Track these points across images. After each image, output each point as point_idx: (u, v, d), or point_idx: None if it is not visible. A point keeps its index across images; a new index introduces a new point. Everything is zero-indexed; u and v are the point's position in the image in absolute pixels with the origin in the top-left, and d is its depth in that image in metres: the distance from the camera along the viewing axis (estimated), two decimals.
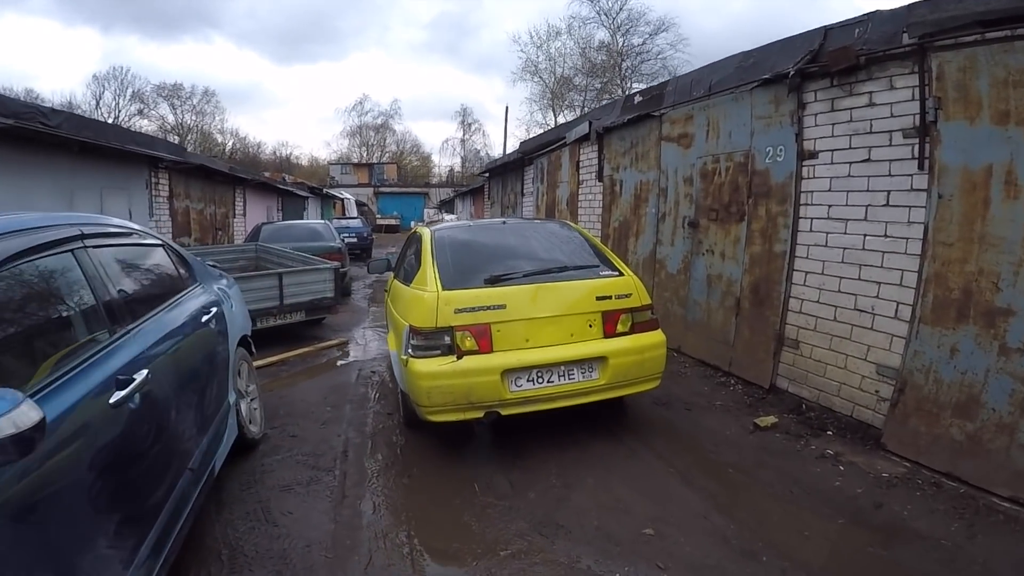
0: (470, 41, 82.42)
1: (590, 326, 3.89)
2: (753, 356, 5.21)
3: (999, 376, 3.23)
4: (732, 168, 5.53)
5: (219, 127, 47.98)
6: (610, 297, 3.95)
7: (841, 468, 3.66)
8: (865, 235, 4.13)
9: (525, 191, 12.92)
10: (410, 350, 3.72)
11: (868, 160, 4.11)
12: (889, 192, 3.95)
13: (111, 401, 2.03)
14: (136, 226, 3.41)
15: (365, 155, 50.12)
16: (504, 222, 5.18)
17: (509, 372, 3.66)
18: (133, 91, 43.51)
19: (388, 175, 41.15)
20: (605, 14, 32.54)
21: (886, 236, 3.97)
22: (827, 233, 4.45)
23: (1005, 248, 3.23)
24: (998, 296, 3.26)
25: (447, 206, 32.03)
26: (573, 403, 3.82)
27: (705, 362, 5.90)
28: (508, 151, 20.86)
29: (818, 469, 3.68)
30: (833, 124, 4.40)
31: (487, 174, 17.28)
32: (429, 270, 4.08)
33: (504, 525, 3.15)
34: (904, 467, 3.60)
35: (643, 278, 7.04)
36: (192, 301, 3.46)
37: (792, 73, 4.52)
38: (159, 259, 3.41)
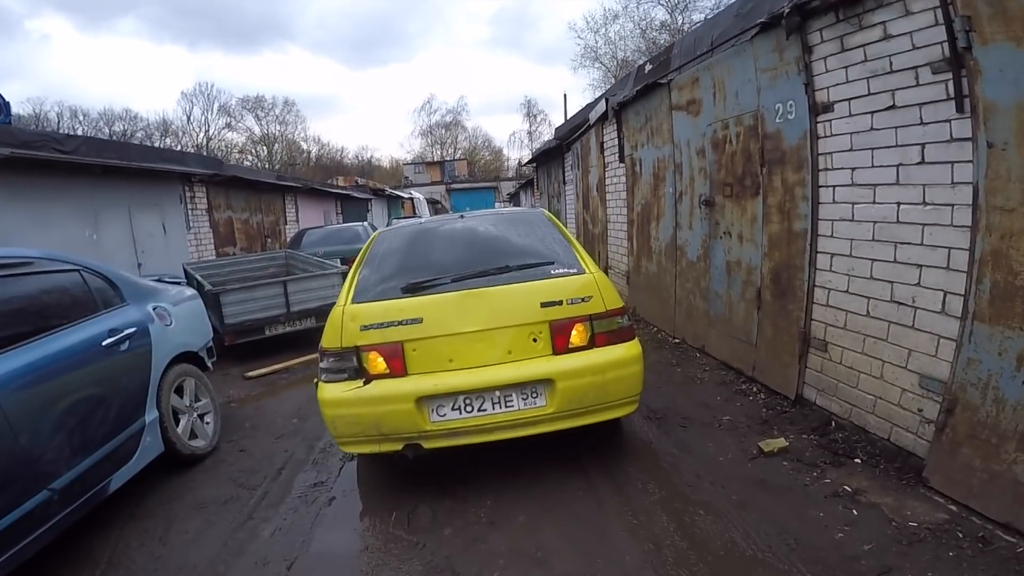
0: (532, 33, 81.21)
1: (534, 340, 3.06)
2: (777, 359, 4.20)
3: None
4: (742, 133, 4.50)
5: (302, 135, 49.74)
6: (560, 302, 3.07)
7: (854, 512, 2.70)
8: (899, 203, 3.07)
9: (566, 179, 12.04)
10: (321, 374, 3.14)
11: (893, 107, 3.05)
12: (924, 145, 2.89)
13: None
14: (31, 254, 3.40)
15: (440, 153, 50.40)
16: (461, 216, 4.26)
17: (428, 399, 2.95)
18: (220, 105, 45.52)
19: (459, 171, 40.91)
20: None
21: (925, 203, 2.91)
22: (853, 204, 3.40)
23: None
24: None
25: (515, 199, 31.54)
26: (516, 435, 3.02)
27: (728, 365, 4.91)
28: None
29: (821, 513, 2.73)
30: (846, 67, 3.34)
31: (534, 164, 16.45)
32: (348, 280, 3.48)
33: (395, 566, 2.71)
34: (947, 512, 2.59)
35: (665, 267, 6.12)
36: (96, 326, 3.48)
37: (788, 10, 3.49)
38: (57, 287, 3.44)
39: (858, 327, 3.41)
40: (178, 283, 5.05)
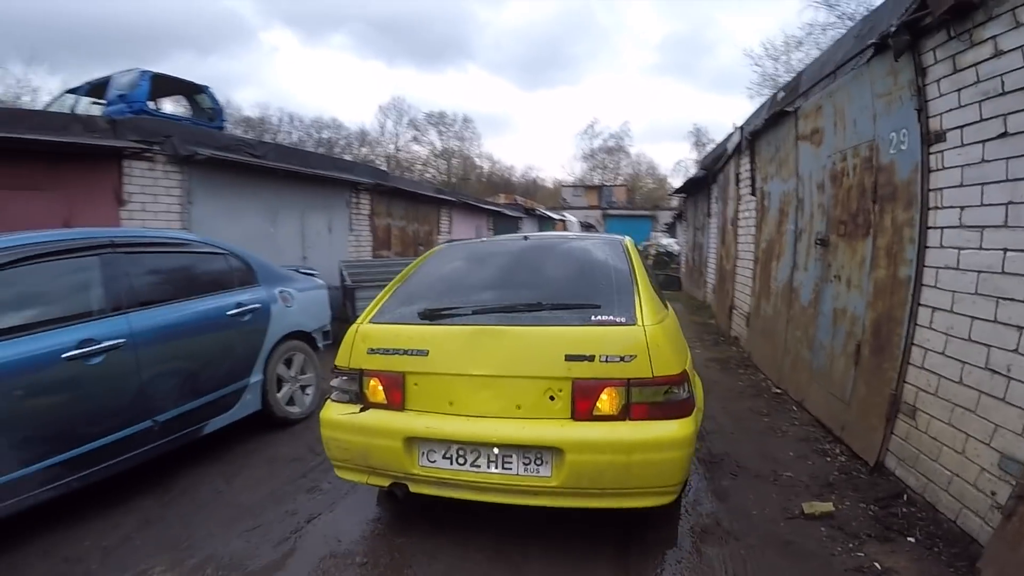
0: (704, 59, 77.48)
1: (551, 398, 2.51)
2: (865, 421, 3.66)
3: None
4: (859, 165, 4.04)
5: (477, 151, 52.30)
6: (591, 358, 2.47)
7: None
8: (1005, 250, 2.59)
9: (711, 211, 11.49)
10: (331, 391, 2.95)
11: (1005, 135, 2.59)
12: None
13: (63, 355, 2.90)
14: (192, 238, 4.40)
15: (601, 178, 50.34)
16: (526, 238, 3.71)
17: (418, 441, 2.60)
18: (409, 119, 49.24)
19: (617, 197, 40.38)
20: (849, 18, 27.92)
21: None
22: (959, 249, 2.91)
23: None
24: None
25: (672, 229, 30.59)
26: (513, 502, 2.55)
27: (821, 423, 4.36)
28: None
29: None
30: (959, 90, 2.90)
31: (684, 195, 15.85)
32: (380, 295, 3.18)
33: (391, 540, 2.89)
34: None
35: (779, 310, 5.64)
36: (229, 298, 4.20)
37: (895, 29, 3.10)
38: (205, 265, 4.20)
39: (949, 394, 2.88)
40: (311, 274, 5.71)
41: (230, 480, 3.62)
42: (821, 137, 4.73)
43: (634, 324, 2.54)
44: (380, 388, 2.73)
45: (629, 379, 2.45)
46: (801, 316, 5.08)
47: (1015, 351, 2.46)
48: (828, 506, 2.99)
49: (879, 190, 3.71)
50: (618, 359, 2.46)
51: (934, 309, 3.09)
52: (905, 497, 3.04)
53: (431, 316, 2.77)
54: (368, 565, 2.65)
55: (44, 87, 31.83)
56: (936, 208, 3.12)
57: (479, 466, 2.51)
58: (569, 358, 2.49)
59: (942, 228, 3.06)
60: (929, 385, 3.06)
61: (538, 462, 2.45)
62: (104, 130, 6.52)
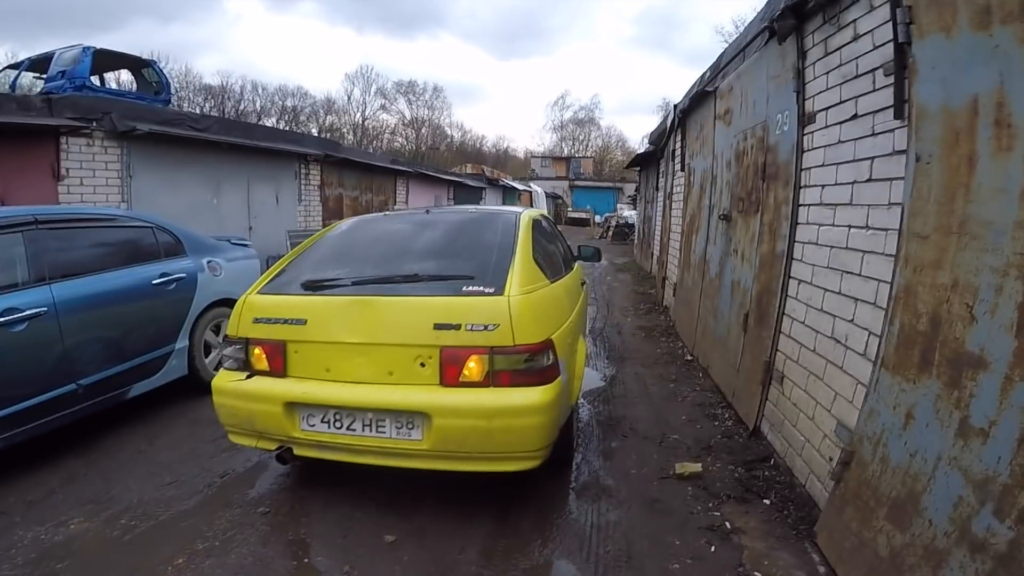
0: (679, 34, 76.59)
1: (421, 365, 2.50)
2: (749, 388, 3.76)
3: (949, 471, 1.74)
4: (755, 145, 4.07)
5: (447, 121, 50.88)
6: (457, 326, 2.46)
7: (712, 549, 2.41)
8: (849, 226, 2.64)
9: (659, 185, 11.52)
10: (224, 359, 2.94)
11: (855, 116, 2.61)
12: (872, 160, 2.47)
13: None
14: (117, 213, 4.47)
15: (571, 149, 49.71)
16: (427, 211, 3.78)
17: (298, 406, 2.60)
18: (377, 88, 47.48)
19: (585, 169, 39.88)
20: None
21: (867, 227, 2.48)
22: (819, 225, 2.97)
23: (989, 242, 1.72)
24: (969, 332, 1.75)
25: (635, 201, 30.67)
26: (390, 464, 2.57)
27: (719, 389, 4.47)
28: None
29: (678, 541, 2.44)
30: (827, 73, 2.92)
31: (638, 168, 15.82)
32: (273, 267, 3.17)
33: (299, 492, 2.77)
34: (810, 574, 2.20)
35: (696, 282, 5.70)
36: (154, 268, 4.19)
37: (780, 12, 3.09)
38: (130, 238, 4.18)
39: (806, 362, 2.97)
40: (245, 246, 5.60)
41: (152, 441, 3.61)
42: (731, 117, 4.74)
43: (500, 295, 2.53)
44: (264, 356, 2.72)
45: (492, 347, 2.44)
46: (710, 287, 5.15)
47: (851, 321, 2.53)
48: (697, 467, 3.08)
49: (767, 169, 3.74)
50: (482, 328, 2.45)
51: (799, 281, 3.15)
52: (772, 461, 3.14)
53: (312, 287, 2.78)
54: (270, 514, 2.73)
55: None
56: (805, 187, 3.16)
57: (355, 430, 2.53)
58: (437, 327, 2.48)
59: (809, 205, 3.11)
60: (793, 353, 3.14)
61: (409, 426, 2.47)
62: (40, 108, 6.26)
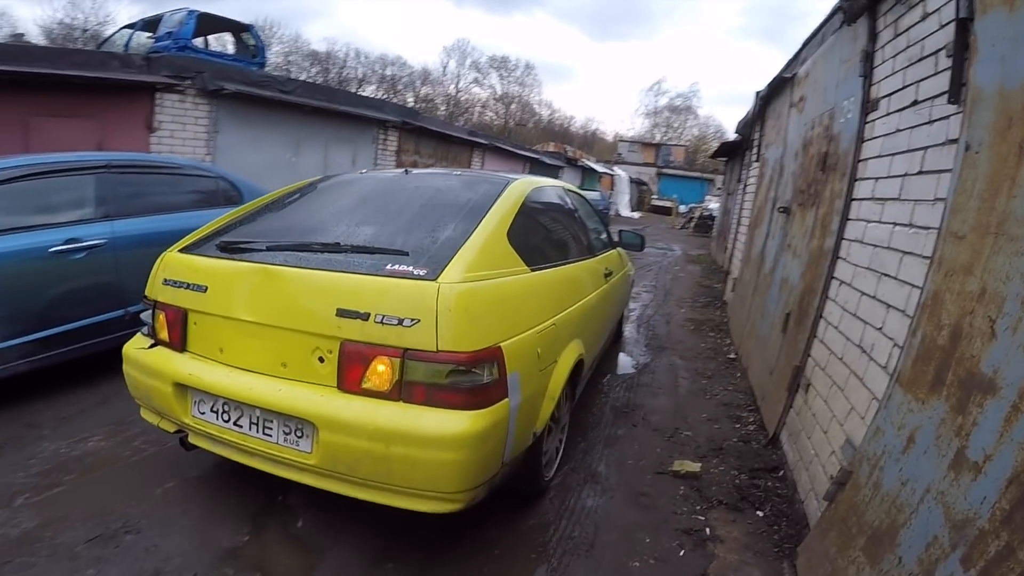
0: (794, 27, 70.86)
1: (320, 360, 1.94)
2: (776, 392, 3.45)
3: (933, 506, 1.49)
4: (820, 135, 3.69)
5: (537, 99, 50.86)
6: (365, 316, 1.86)
7: (681, 554, 2.23)
8: (894, 223, 2.32)
9: (741, 176, 10.85)
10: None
11: (915, 103, 2.28)
12: (925, 150, 2.14)
13: (50, 249, 3.29)
14: (183, 162, 4.75)
15: (665, 136, 48.12)
16: (405, 171, 3.09)
17: (188, 388, 2.14)
18: (471, 61, 48.45)
19: (675, 157, 38.17)
20: None
21: (911, 225, 2.16)
22: (867, 222, 2.63)
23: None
24: (987, 350, 1.48)
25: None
26: (280, 475, 2.03)
27: (753, 391, 4.15)
28: None
29: (648, 539, 2.29)
30: (895, 56, 2.56)
31: (725, 159, 14.92)
32: (212, 222, 2.72)
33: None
34: None
35: (752, 277, 5.33)
36: (208, 215, 4.32)
37: None
38: (194, 186, 4.46)
39: (831, 371, 2.67)
40: None
41: None
42: (804, 105, 4.34)
43: (430, 279, 1.87)
44: (165, 324, 2.29)
45: (406, 349, 1.81)
46: (763, 283, 4.78)
47: (879, 329, 2.23)
48: (696, 467, 2.87)
49: (828, 160, 3.38)
50: (395, 322, 1.82)
51: (840, 282, 2.83)
52: (781, 473, 2.88)
53: (227, 249, 2.26)
54: None
55: (121, 15, 32.80)
56: (860, 179, 2.81)
57: (242, 427, 2.04)
58: (341, 313, 1.88)
59: (861, 200, 2.77)
60: (822, 359, 2.84)
61: (298, 434, 1.92)
62: (139, 66, 6.75)
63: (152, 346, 2.32)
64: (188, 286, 2.22)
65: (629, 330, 5.92)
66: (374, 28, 74.59)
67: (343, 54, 42.02)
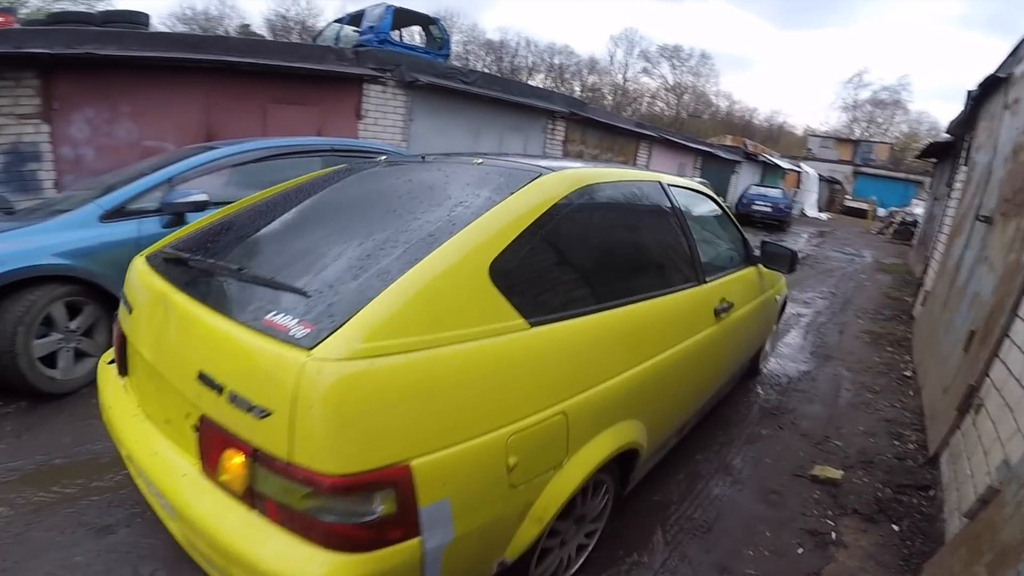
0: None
1: (194, 428, 1.44)
2: (946, 411, 3.26)
3: None
4: None
5: (714, 89, 48.28)
6: (220, 389, 1.32)
7: (799, 551, 2.31)
8: None
9: (954, 180, 9.62)
10: None
11: None
12: None
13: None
14: (390, 149, 5.43)
15: (863, 132, 43.02)
16: (422, 158, 2.33)
17: (114, 427, 1.80)
18: (640, 50, 48.23)
19: (877, 155, 33.74)
20: None
21: None
22: None
23: None
24: None
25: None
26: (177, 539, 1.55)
27: (922, 410, 3.90)
28: None
29: (768, 533, 2.42)
30: None
31: (934, 160, 13.05)
32: (198, 221, 2.26)
33: None
34: None
35: (943, 290, 4.94)
36: None
37: None
38: None
39: (1007, 392, 2.53)
40: None
41: None
42: (1018, 107, 3.91)
43: (304, 348, 1.20)
44: (115, 342, 1.97)
45: (256, 449, 1.25)
46: (953, 298, 4.40)
47: None
48: (837, 474, 2.88)
49: None
50: (246, 407, 1.25)
51: None
52: (931, 493, 2.78)
53: (168, 261, 1.83)
54: None
55: (327, 9, 36.99)
56: None
57: (142, 483, 1.65)
58: (200, 377, 1.37)
59: None
60: (999, 380, 2.68)
61: (171, 510, 1.47)
62: (350, 60, 7.91)
63: (111, 362, 2.01)
64: (126, 303, 1.88)
65: (794, 335, 5.74)
66: (543, 16, 76.17)
67: (515, 43, 43.75)
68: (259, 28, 32.74)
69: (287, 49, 7.64)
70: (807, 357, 5.07)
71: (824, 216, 25.91)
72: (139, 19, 7.56)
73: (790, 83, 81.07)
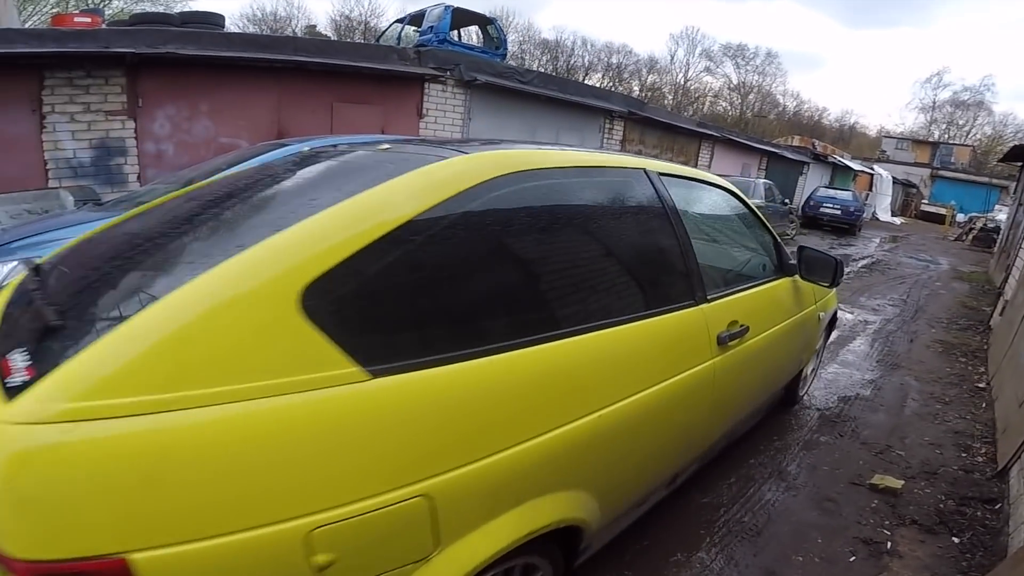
0: None
1: None
2: (1020, 424, 3.12)
3: None
4: None
5: (780, 89, 46.64)
6: None
7: (851, 560, 2.28)
8: None
9: None
10: None
11: None
12: None
13: None
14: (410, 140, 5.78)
15: (942, 134, 40.77)
16: (347, 147, 1.88)
17: None
18: (702, 49, 45.65)
19: (958, 158, 31.79)
20: None
21: None
22: None
23: None
24: None
25: None
26: None
27: (994, 423, 3.74)
28: None
29: (820, 540, 2.40)
30: None
31: (1021, 164, 12.17)
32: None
33: None
34: None
35: (1020, 301, 4.67)
36: None
37: None
38: None
39: None
40: None
41: None
42: None
43: (5, 400, 0.94)
44: None
45: None
46: None
47: None
48: (897, 483, 2.81)
49: None
50: None
51: None
52: (998, 506, 2.68)
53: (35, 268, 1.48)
54: None
55: (389, 10, 37.76)
56: None
57: None
58: None
59: None
60: None
61: None
62: (412, 59, 8.16)
63: None
64: None
65: (860, 343, 5.56)
66: (599, 16, 75.45)
67: (570, 42, 43.27)
68: (324, 28, 33.90)
69: (352, 49, 7.94)
70: (873, 365, 4.91)
71: (898, 220, 24.72)
72: (216, 20, 8.03)
73: (863, 83, 77.86)
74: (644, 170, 2.00)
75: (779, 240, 2.82)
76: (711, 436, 2.26)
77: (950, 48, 75.73)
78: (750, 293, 2.35)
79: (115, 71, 5.86)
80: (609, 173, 1.94)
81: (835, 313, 3.79)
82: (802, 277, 2.79)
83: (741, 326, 2.14)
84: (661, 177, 2.06)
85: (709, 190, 2.50)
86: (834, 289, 3.31)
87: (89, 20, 8.23)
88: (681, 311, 1.87)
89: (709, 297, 2.01)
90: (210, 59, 6.21)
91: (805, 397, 3.88)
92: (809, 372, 3.71)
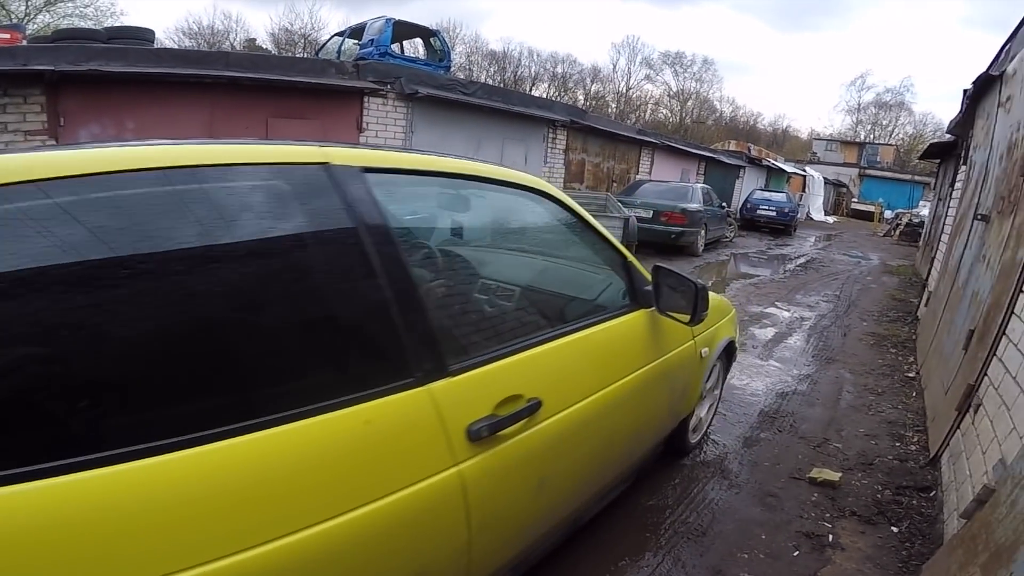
0: None
1: None
2: (947, 412, 3.24)
3: None
4: None
5: (717, 95, 48.58)
6: None
7: (795, 554, 2.29)
8: None
9: (956, 180, 9.58)
10: None
11: None
12: None
13: None
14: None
15: (871, 135, 43.10)
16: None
17: None
18: (643, 57, 47.11)
19: (883, 158, 33.78)
20: None
21: None
22: None
23: None
24: None
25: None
26: None
27: (925, 411, 3.87)
28: None
29: (764, 536, 2.39)
30: None
31: (938, 161, 12.97)
32: None
33: None
34: None
35: (944, 291, 4.95)
36: None
37: None
38: None
39: (1004, 390, 2.51)
40: None
41: None
42: (1011, 104, 3.91)
43: None
44: None
45: None
46: (954, 297, 4.37)
47: None
48: (835, 476, 2.86)
49: None
50: None
51: None
52: (932, 494, 2.76)
53: None
54: None
55: (331, 21, 37.15)
56: None
57: None
58: None
59: None
60: (996, 379, 2.65)
61: None
62: (351, 73, 8.00)
63: None
64: None
65: (796, 339, 5.71)
66: (544, 26, 76.86)
67: (517, 53, 43.92)
68: (264, 42, 33.16)
69: (287, 64, 7.75)
70: (809, 360, 5.04)
71: (830, 219, 25.84)
72: (145, 35, 7.69)
73: (793, 87, 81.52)
74: (326, 165, 1.26)
75: (630, 260, 2.10)
76: (489, 565, 1.44)
77: (872, 51, 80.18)
78: (556, 345, 1.63)
79: (34, 89, 5.53)
80: (223, 176, 1.18)
81: (731, 343, 2.99)
82: (659, 310, 2.08)
83: (529, 401, 1.45)
84: (366, 175, 1.31)
85: (499, 193, 1.74)
86: (730, 314, 2.90)
87: (8, 36, 7.74)
88: (373, 401, 1.15)
89: (452, 367, 1.31)
90: (137, 75, 5.94)
91: (703, 439, 3.20)
92: (704, 414, 3.09)
